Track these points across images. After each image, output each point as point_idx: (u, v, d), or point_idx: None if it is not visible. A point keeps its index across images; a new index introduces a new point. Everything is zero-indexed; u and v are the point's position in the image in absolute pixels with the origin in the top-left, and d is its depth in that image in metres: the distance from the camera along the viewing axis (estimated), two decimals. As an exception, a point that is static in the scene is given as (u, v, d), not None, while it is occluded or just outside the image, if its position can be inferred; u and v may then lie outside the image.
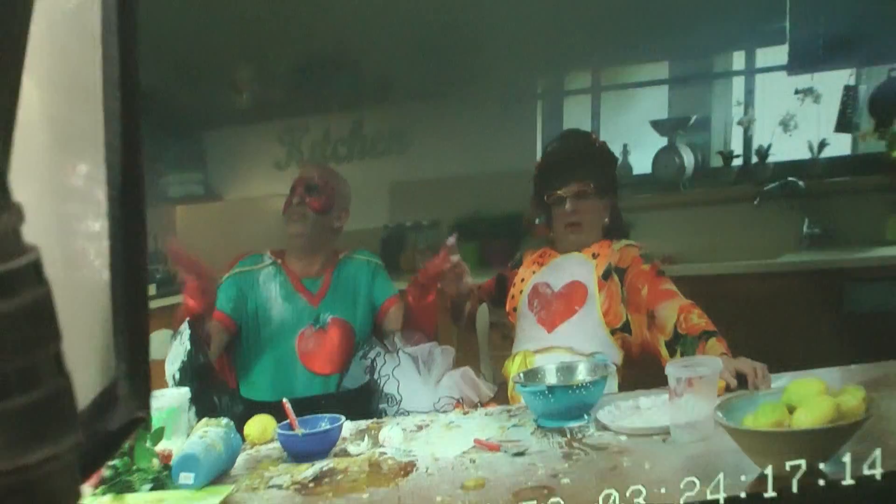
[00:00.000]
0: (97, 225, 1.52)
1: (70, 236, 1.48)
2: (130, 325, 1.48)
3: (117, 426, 1.42)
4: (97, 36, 1.56)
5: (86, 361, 1.34)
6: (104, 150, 1.52)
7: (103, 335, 1.44)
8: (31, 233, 1.16)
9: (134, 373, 1.47)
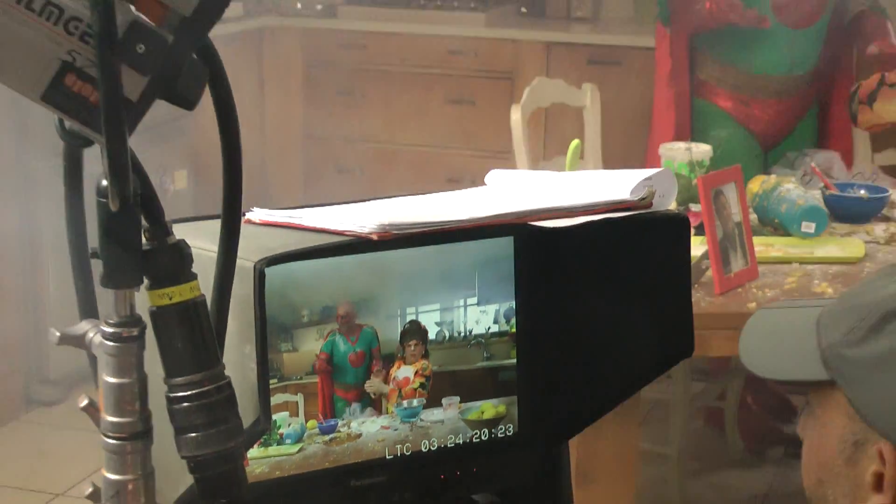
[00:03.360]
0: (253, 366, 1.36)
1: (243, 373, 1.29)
2: (263, 401, 1.25)
3: (258, 431, 1.26)
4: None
5: (246, 412, 1.10)
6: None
7: (254, 402, 1.24)
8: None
9: (265, 415, 1.26)
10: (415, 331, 1.33)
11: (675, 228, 1.45)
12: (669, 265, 1.47)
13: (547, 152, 3.78)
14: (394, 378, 1.33)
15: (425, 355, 1.34)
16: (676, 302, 1.48)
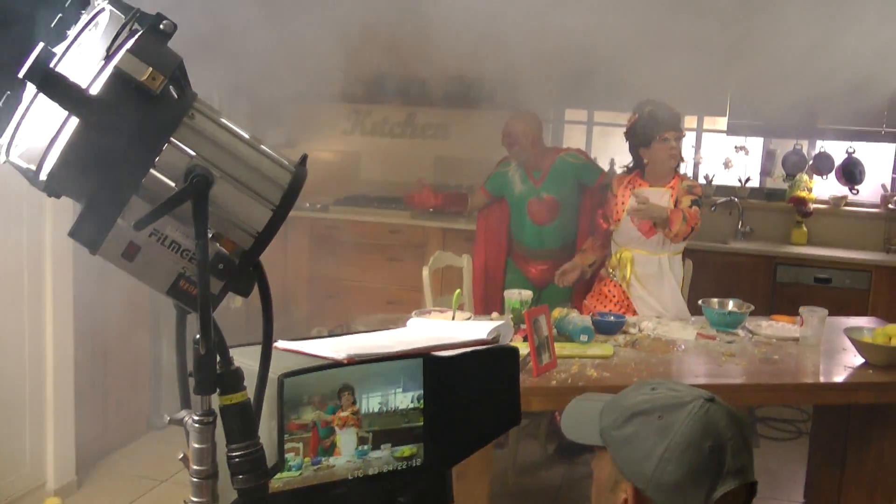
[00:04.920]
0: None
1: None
2: (280, 452, 1.22)
3: (276, 469, 1.15)
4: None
5: (270, 457, 1.08)
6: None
7: (275, 452, 1.21)
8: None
9: (281, 460, 1.21)
10: (346, 389, 1.31)
11: (509, 355, 1.45)
12: (506, 374, 1.45)
13: (443, 292, 3.79)
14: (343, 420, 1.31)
15: (353, 403, 1.31)
16: (510, 394, 1.46)
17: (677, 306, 3.42)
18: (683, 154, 3.47)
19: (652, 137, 3.37)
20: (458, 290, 2.63)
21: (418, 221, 4.87)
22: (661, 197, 3.35)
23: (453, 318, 2.54)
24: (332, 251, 4.98)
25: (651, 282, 3.41)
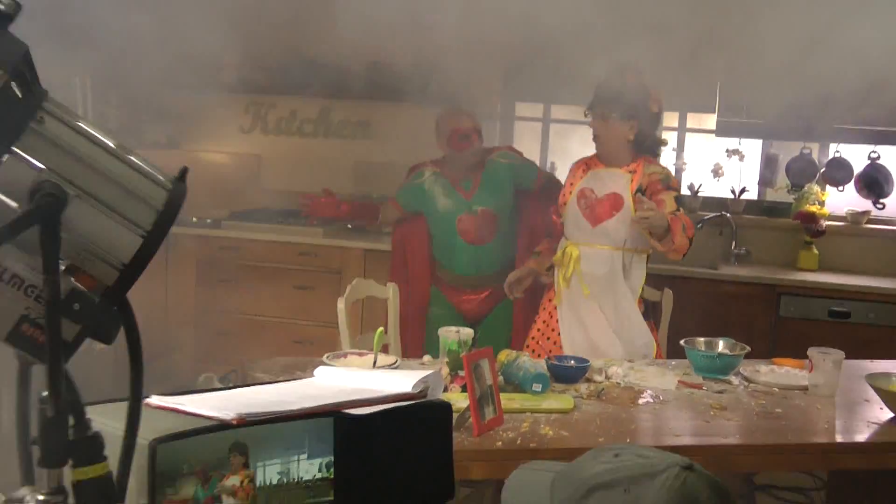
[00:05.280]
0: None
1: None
2: None
3: None
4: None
5: None
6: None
7: None
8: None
9: None
10: (237, 448, 1.31)
11: (441, 412, 1.44)
12: (436, 436, 1.45)
13: (363, 330, 3.78)
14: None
15: (245, 466, 1.31)
16: (441, 460, 1.46)
17: (633, 329, 3.38)
18: (641, 140, 3.44)
19: (589, 113, 3.47)
20: (379, 329, 2.63)
21: (333, 241, 4.84)
22: (616, 180, 3.37)
23: (374, 364, 2.55)
24: (226, 277, 4.94)
25: (599, 286, 3.37)
